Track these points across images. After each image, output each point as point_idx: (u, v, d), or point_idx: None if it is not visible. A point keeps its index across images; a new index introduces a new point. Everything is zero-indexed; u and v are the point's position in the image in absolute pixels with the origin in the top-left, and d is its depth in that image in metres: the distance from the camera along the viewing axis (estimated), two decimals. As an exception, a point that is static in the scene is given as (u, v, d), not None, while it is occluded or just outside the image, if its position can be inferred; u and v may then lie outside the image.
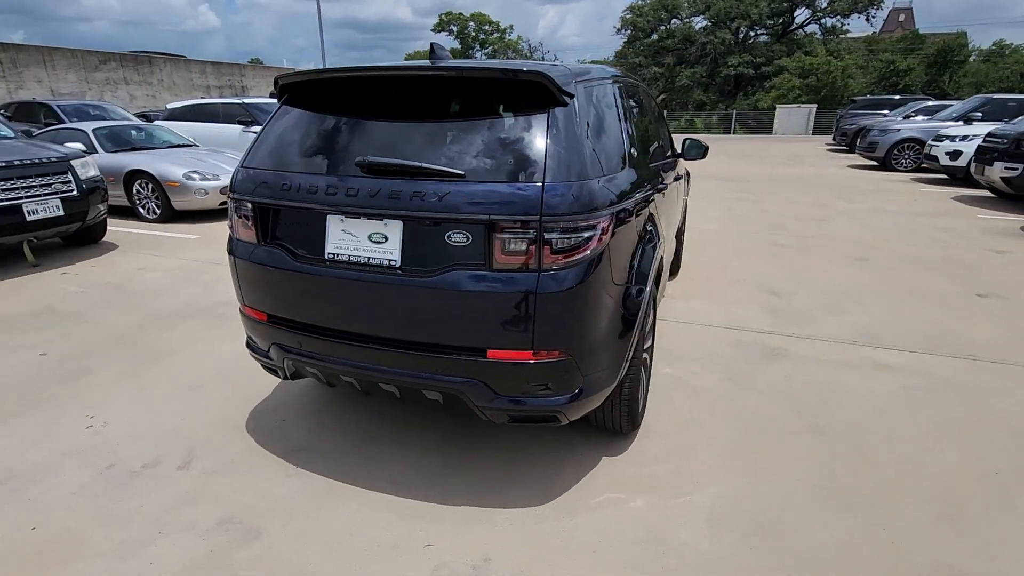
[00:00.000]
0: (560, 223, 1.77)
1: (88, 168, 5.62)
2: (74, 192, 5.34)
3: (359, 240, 1.93)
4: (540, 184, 1.76)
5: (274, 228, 2.10)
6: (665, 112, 31.46)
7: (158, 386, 3.07)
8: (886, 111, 16.72)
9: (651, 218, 2.47)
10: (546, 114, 1.85)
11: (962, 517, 2.11)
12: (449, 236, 1.82)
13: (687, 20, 36.28)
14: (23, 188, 4.98)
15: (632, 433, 2.60)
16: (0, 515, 2.12)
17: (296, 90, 2.16)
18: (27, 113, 11.67)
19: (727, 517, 2.11)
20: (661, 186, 2.82)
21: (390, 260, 1.90)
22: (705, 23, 35.40)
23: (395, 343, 1.96)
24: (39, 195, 5.08)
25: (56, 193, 5.20)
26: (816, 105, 26.17)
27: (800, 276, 5.00)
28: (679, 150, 3.93)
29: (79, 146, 6.70)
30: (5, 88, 14.27)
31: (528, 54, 42.93)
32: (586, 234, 1.83)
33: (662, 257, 2.68)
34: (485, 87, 1.92)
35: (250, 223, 2.12)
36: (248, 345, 2.40)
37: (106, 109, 12.27)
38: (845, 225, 7.06)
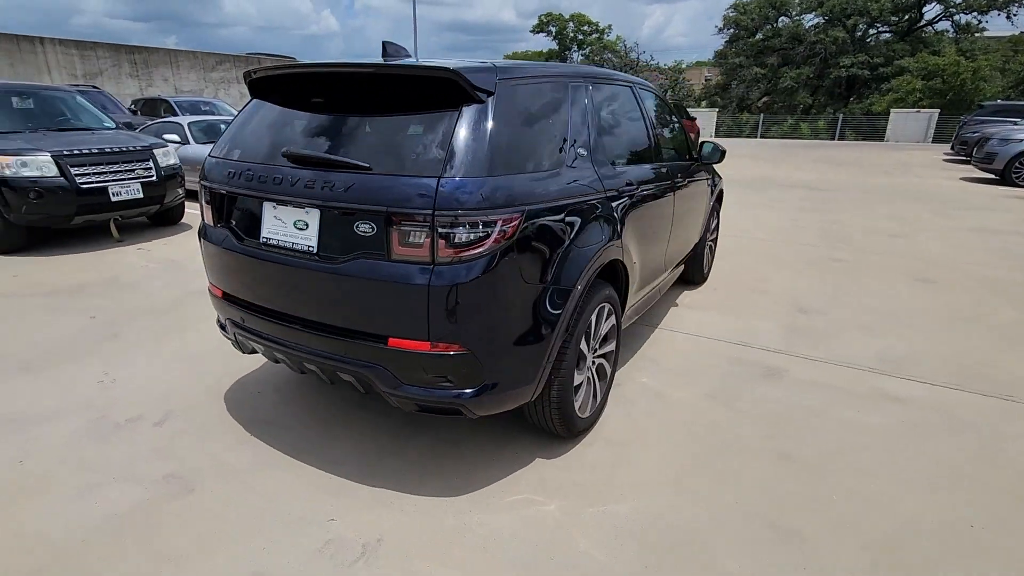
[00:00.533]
0: (455, 218, 1.79)
1: (168, 157, 6.29)
2: (153, 177, 6.00)
3: (287, 226, 2.05)
4: (436, 179, 1.79)
5: (227, 212, 2.28)
6: (761, 114, 29.62)
7: (169, 354, 3.41)
8: (1017, 119, 14.73)
9: (604, 220, 2.40)
10: (456, 111, 1.88)
11: (900, 569, 1.88)
12: (357, 226, 1.89)
13: (797, 18, 33.96)
14: (110, 172, 5.67)
15: (576, 438, 2.55)
16: (0, 447, 2.47)
17: (256, 85, 2.33)
18: (151, 107, 13.22)
19: (638, 532, 2.02)
20: (635, 189, 2.72)
21: (309, 246, 2.00)
22: (817, 20, 32.96)
23: (314, 325, 2.06)
24: (123, 179, 5.77)
25: (138, 178, 5.88)
26: (939, 110, 23.53)
27: (841, 294, 4.58)
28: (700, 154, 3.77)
29: (175, 137, 7.53)
30: (138, 85, 16.29)
31: (623, 54, 42.16)
32: (484, 231, 1.83)
33: (623, 263, 2.59)
34: (404, 84, 1.97)
35: (210, 207, 2.32)
36: (217, 319, 2.62)
37: (215, 105, 13.61)
38: (924, 242, 6.36)
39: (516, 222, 1.89)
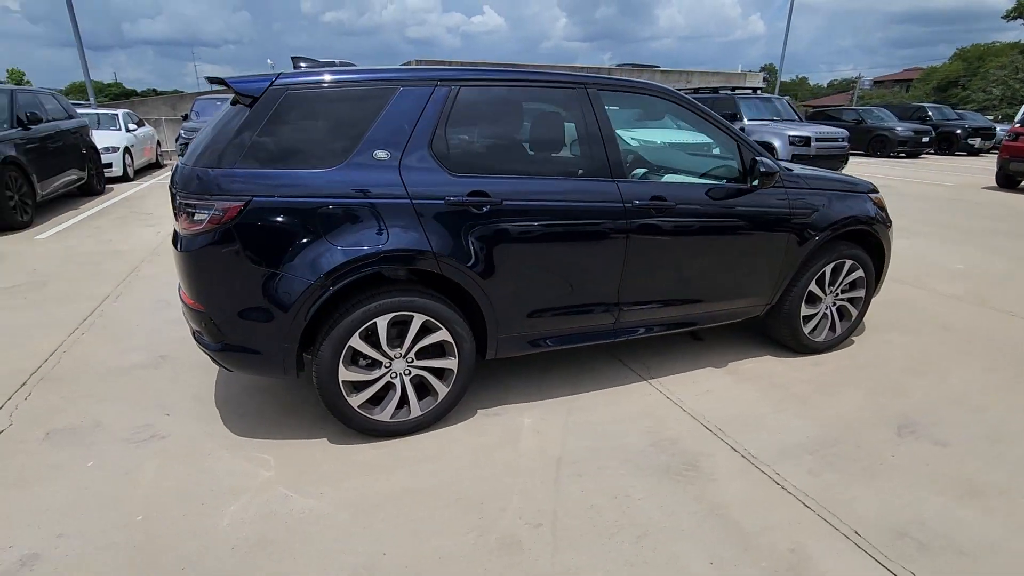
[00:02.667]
0: (183, 199, 2.20)
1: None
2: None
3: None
4: (190, 167, 2.22)
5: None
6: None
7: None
8: None
9: (397, 223, 2.32)
10: (234, 110, 2.25)
11: None
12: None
13: None
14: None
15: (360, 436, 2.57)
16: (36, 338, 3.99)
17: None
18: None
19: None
20: (494, 200, 2.45)
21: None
22: None
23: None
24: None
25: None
26: None
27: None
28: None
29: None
30: None
31: None
32: (204, 212, 2.17)
33: (449, 278, 2.42)
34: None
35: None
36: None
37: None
38: None
39: (236, 208, 2.15)
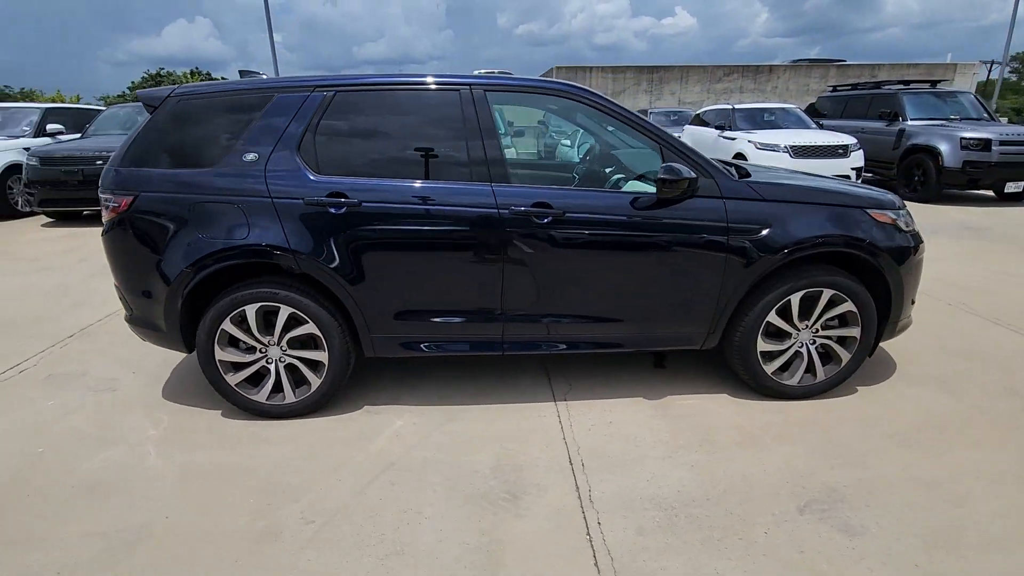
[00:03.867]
0: (99, 191, 2.63)
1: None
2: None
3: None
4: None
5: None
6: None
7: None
8: None
9: (260, 218, 2.50)
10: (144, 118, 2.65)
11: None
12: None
13: None
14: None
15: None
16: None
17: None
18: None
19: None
20: (350, 201, 2.50)
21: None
22: None
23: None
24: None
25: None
26: None
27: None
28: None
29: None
30: (647, 100, 19.24)
31: None
32: (107, 204, 2.58)
33: (310, 275, 2.54)
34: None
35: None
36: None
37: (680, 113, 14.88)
38: None
39: (126, 201, 2.53)
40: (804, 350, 2.88)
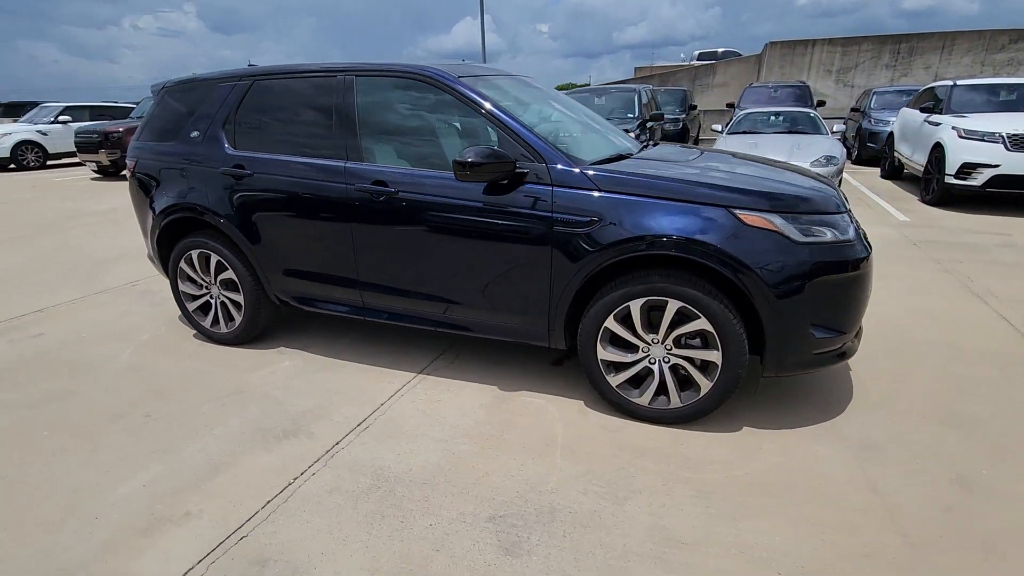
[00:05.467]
0: (127, 156, 3.63)
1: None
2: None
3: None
4: (132, 138, 3.65)
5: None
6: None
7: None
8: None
9: (196, 181, 3.19)
10: None
11: None
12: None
13: None
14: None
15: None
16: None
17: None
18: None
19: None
20: (244, 171, 3.03)
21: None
22: None
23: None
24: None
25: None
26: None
27: None
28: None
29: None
30: (889, 76, 15.54)
31: None
32: (129, 165, 3.55)
33: (215, 226, 3.16)
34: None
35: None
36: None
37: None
38: None
39: (133, 165, 3.46)
40: (656, 368, 2.50)
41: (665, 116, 12.15)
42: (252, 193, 3.07)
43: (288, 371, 3.15)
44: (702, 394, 2.43)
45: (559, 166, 2.47)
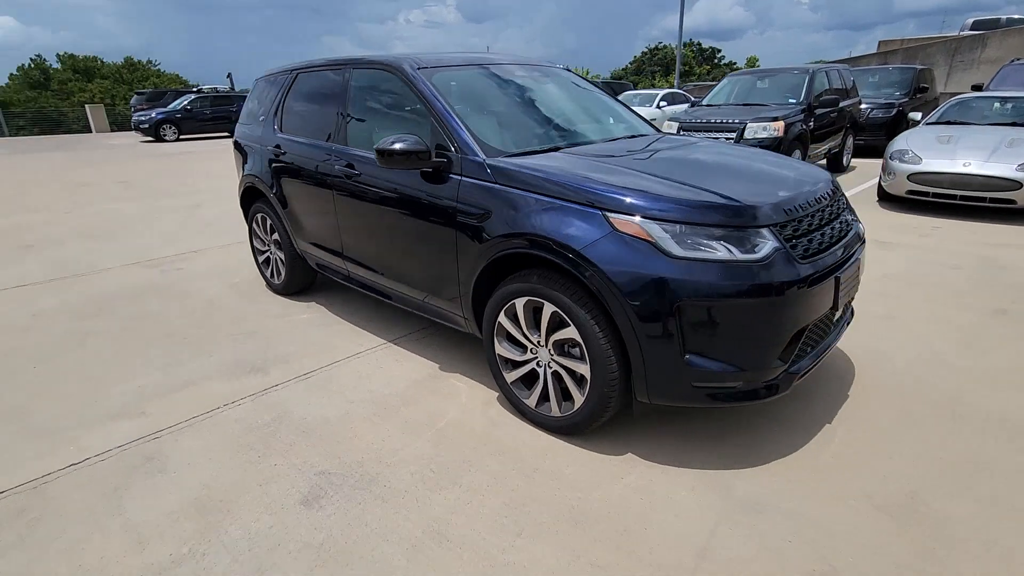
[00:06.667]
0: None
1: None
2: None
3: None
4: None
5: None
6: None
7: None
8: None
9: (259, 159, 3.88)
10: None
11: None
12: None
13: None
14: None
15: (269, 286, 4.36)
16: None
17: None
18: None
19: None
20: (282, 152, 3.58)
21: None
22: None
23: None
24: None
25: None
26: None
27: None
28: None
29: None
30: None
31: None
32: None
33: (261, 191, 3.82)
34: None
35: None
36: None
37: None
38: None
39: (234, 141, 4.33)
40: (542, 372, 2.39)
41: (867, 102, 10.23)
42: (282, 170, 3.65)
43: (300, 322, 3.71)
44: (575, 408, 2.28)
45: (470, 156, 2.49)
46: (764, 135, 7.02)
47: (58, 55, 47.84)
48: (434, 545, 1.86)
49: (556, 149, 2.66)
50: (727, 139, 7.16)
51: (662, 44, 65.99)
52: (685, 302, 1.92)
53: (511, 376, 2.52)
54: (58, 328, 3.70)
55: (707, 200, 2.04)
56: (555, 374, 2.35)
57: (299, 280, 4.04)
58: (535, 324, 2.36)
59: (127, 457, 2.36)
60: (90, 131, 26.76)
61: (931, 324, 3.40)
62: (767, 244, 1.98)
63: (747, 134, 7.09)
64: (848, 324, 2.65)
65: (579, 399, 2.26)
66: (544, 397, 2.42)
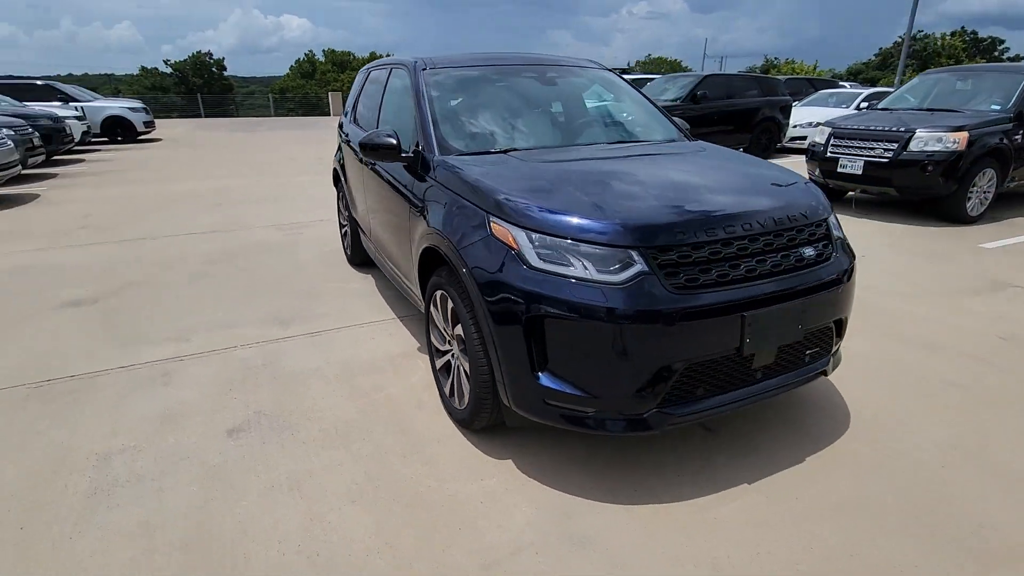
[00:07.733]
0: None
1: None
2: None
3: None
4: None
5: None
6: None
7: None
8: None
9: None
10: None
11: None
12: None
13: None
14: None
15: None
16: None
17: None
18: None
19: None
20: (350, 141, 4.08)
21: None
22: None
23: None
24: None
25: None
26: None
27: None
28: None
29: None
30: None
31: None
32: (340, 130, 5.16)
33: (339, 172, 4.38)
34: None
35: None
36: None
37: None
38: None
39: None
40: (454, 364, 2.48)
41: None
42: (346, 155, 4.17)
43: (348, 291, 4.22)
44: (464, 403, 2.33)
45: (427, 153, 2.65)
46: (937, 148, 5.74)
47: (323, 50, 57.83)
48: (284, 492, 2.12)
49: (510, 151, 2.66)
50: (885, 150, 6.03)
51: (921, 33, 55.75)
52: (535, 315, 1.87)
53: (439, 363, 2.65)
54: (189, 268, 4.75)
55: (570, 214, 1.93)
56: (459, 367, 2.43)
57: (360, 253, 4.57)
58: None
59: (155, 368, 3.05)
60: (329, 114, 31.96)
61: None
62: (634, 267, 1.82)
63: (913, 146, 5.87)
64: (817, 374, 2.23)
65: (467, 395, 2.31)
66: (453, 389, 2.51)
